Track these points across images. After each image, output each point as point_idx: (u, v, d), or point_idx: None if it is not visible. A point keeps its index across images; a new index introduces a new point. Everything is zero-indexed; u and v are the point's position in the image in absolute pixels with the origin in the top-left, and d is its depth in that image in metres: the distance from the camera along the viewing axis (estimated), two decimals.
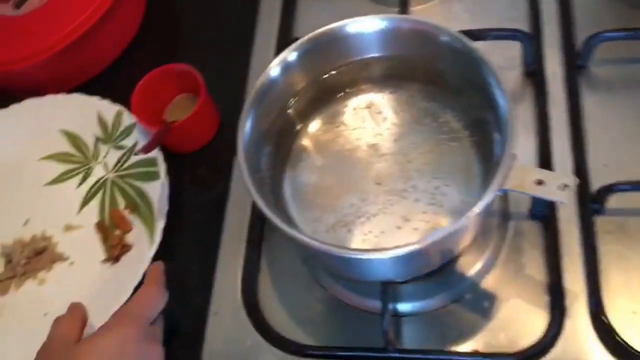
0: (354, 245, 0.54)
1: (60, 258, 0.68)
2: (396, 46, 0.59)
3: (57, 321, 0.55)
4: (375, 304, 0.58)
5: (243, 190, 0.66)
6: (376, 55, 0.60)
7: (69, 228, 0.69)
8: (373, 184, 0.57)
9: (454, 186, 0.55)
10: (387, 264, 0.51)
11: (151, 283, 0.57)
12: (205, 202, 0.69)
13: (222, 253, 0.64)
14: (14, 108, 0.76)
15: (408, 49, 0.59)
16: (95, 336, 0.52)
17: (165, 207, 0.66)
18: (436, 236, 0.47)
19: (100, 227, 0.68)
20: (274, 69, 0.58)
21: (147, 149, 0.66)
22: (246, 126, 0.55)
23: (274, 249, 0.64)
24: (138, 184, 0.70)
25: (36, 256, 0.68)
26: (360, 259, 0.50)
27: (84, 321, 0.55)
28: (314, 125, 0.61)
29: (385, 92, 0.61)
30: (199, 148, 0.73)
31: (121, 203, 0.70)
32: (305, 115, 0.62)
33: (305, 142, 0.61)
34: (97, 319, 0.56)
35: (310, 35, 0.59)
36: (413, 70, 0.60)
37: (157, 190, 0.67)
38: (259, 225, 0.65)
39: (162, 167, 0.68)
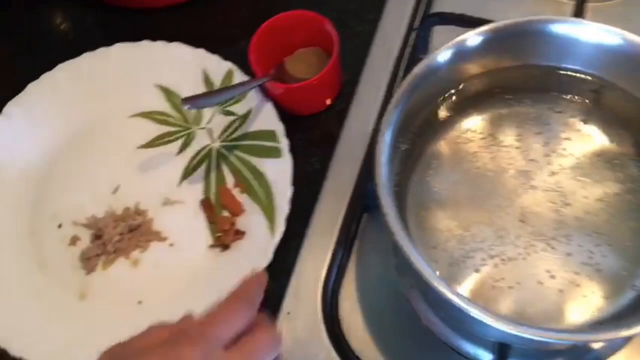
0: (478, 292, 0.45)
1: (158, 237, 0.58)
2: (606, 66, 0.49)
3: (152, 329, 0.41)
4: (480, 355, 0.50)
5: (343, 177, 0.58)
6: (574, 67, 0.50)
7: (167, 202, 0.59)
8: (516, 220, 0.46)
9: (619, 249, 0.45)
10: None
11: (239, 299, 0.43)
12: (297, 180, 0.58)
13: (307, 245, 0.55)
14: (102, 52, 0.65)
15: (620, 74, 0.49)
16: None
17: (288, 192, 0.56)
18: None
19: (206, 205, 0.59)
20: (445, 52, 0.49)
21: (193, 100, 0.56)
22: (392, 117, 0.46)
23: (366, 253, 0.55)
24: (252, 159, 0.59)
25: (129, 232, 0.58)
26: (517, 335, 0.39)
27: None
28: (460, 130, 0.51)
29: (563, 114, 0.51)
30: (310, 114, 0.63)
31: (229, 180, 0.60)
32: (454, 116, 0.51)
33: (443, 147, 0.50)
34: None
35: (507, 22, 0.49)
36: (615, 101, 0.50)
37: (277, 170, 0.57)
38: (353, 221, 0.56)
39: (284, 143, 0.58)
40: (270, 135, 0.59)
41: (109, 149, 0.63)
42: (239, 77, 0.62)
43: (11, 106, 0.62)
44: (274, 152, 0.58)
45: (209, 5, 0.71)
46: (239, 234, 0.56)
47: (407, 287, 0.53)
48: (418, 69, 0.48)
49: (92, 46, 0.65)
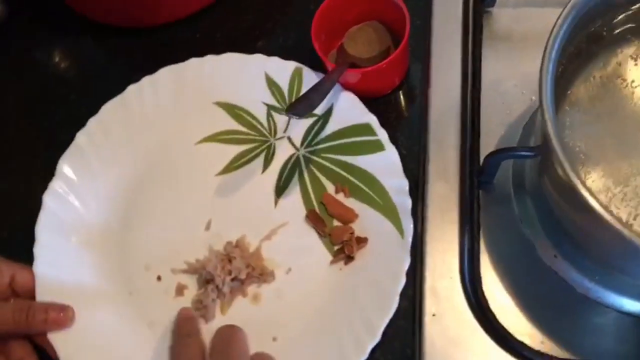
0: None
1: (272, 266, 0.53)
2: None
3: None
4: None
5: (444, 157, 0.53)
6: None
7: (269, 225, 0.54)
8: None
9: None
10: None
11: None
12: None
13: (430, 237, 0.51)
14: (148, 82, 0.58)
15: None
16: None
17: (405, 185, 0.51)
18: None
19: (314, 219, 0.54)
20: None
21: (299, 107, 0.51)
22: (551, 57, 0.41)
23: (492, 231, 0.51)
24: (349, 159, 0.55)
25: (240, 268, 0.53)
26: None
27: None
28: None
29: None
30: (380, 96, 0.58)
31: (328, 187, 0.55)
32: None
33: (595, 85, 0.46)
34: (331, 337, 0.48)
35: None
36: None
37: (383, 165, 0.53)
38: (473, 199, 0.51)
39: (382, 134, 0.53)
40: (364, 129, 0.54)
41: (185, 183, 0.57)
42: (308, 74, 0.57)
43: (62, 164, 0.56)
44: (374, 147, 0.53)
45: (209, 14, 0.65)
46: (362, 241, 0.52)
47: (551, 257, 0.49)
48: None
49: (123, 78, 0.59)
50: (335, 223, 0.54)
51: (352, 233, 0.52)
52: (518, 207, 0.50)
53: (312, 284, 0.52)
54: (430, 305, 0.49)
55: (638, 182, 0.43)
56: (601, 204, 0.36)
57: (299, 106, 0.50)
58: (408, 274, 0.50)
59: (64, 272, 0.53)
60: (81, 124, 0.57)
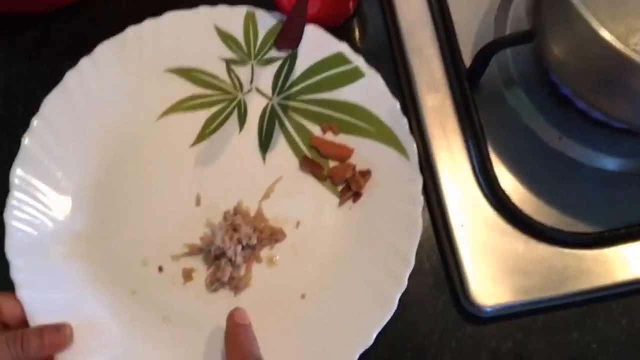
0: None
1: (278, 224, 0.50)
2: None
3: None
4: None
5: (423, 63, 0.52)
6: None
7: (263, 184, 0.51)
8: None
9: None
10: None
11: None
12: None
13: (436, 153, 0.50)
14: (85, 62, 0.52)
15: None
16: None
17: (396, 105, 0.49)
18: None
19: (308, 164, 0.51)
20: None
21: (289, 38, 0.47)
22: None
23: (491, 127, 0.50)
24: (328, 95, 0.52)
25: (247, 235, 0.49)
26: None
27: None
28: None
29: None
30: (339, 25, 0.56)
31: (314, 129, 0.52)
32: None
33: None
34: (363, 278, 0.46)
35: None
36: None
37: (368, 91, 0.50)
38: (467, 99, 0.49)
39: (358, 60, 0.51)
40: (337, 59, 0.51)
41: (160, 163, 0.52)
42: (262, 16, 0.53)
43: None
44: (353, 75, 0.51)
45: None
46: (366, 174, 0.49)
47: (556, 140, 0.49)
48: None
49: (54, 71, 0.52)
50: (332, 164, 0.51)
51: (354, 168, 0.50)
52: (512, 101, 0.49)
53: (325, 231, 0.49)
54: (456, 217, 0.48)
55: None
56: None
57: (289, 36, 0.46)
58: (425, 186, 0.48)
59: (53, 291, 0.47)
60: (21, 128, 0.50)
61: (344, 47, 0.51)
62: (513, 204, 0.47)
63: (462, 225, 0.48)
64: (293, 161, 0.51)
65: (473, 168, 0.48)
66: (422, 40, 0.51)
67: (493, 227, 0.47)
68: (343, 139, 0.51)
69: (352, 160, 0.50)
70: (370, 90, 0.50)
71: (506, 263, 0.46)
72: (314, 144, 0.51)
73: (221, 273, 0.48)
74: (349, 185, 0.49)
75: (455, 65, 0.49)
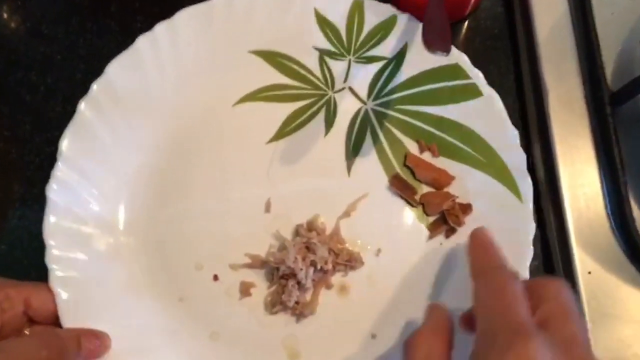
0: None
1: (357, 248, 0.43)
2: None
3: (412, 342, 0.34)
4: None
5: (559, 79, 0.45)
6: None
7: (345, 199, 0.44)
8: None
9: None
10: None
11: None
12: None
13: (565, 182, 0.43)
14: (161, 29, 0.45)
15: None
16: None
17: (514, 135, 0.43)
18: None
19: (399, 185, 0.44)
20: None
21: (442, 39, 0.40)
22: None
23: (633, 157, 0.43)
24: (433, 109, 0.45)
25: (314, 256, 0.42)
26: None
27: (449, 341, 0.35)
28: None
29: None
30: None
31: (409, 145, 0.45)
32: None
33: None
34: None
35: None
36: None
37: (481, 113, 0.44)
38: (606, 127, 0.43)
39: (476, 75, 0.44)
40: (452, 71, 0.44)
41: (230, 157, 0.45)
42: (371, 6, 0.46)
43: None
44: (468, 92, 0.44)
45: None
46: (466, 208, 0.43)
47: None
48: None
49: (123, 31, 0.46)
50: (425, 189, 0.45)
51: (454, 200, 0.43)
52: None
53: (408, 265, 0.43)
54: (583, 263, 0.42)
55: None
56: None
57: (441, 38, 0.39)
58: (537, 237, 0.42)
59: (92, 288, 0.41)
60: (78, 92, 0.44)
61: (463, 59, 0.44)
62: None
63: (589, 273, 0.41)
64: (381, 178, 0.45)
65: (606, 207, 0.42)
66: (560, 53, 0.44)
67: (626, 280, 0.41)
68: (442, 162, 0.44)
69: (451, 189, 0.44)
70: (485, 113, 0.43)
71: (638, 326, 0.40)
72: (409, 162, 0.44)
73: (287, 295, 0.41)
74: (445, 218, 0.43)
75: (597, 86, 0.43)
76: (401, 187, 0.44)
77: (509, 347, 0.29)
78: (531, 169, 0.43)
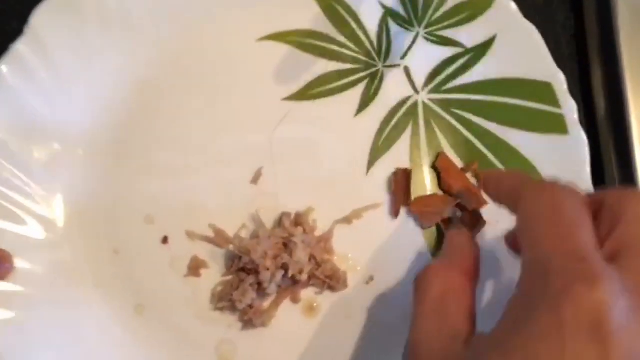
0: None
1: (345, 267, 0.34)
2: None
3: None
4: None
5: None
6: None
7: (352, 201, 0.35)
8: None
9: None
10: None
11: None
12: None
13: None
14: None
15: None
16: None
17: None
18: None
19: (418, 205, 0.34)
20: None
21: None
22: None
23: None
24: (498, 129, 0.35)
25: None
26: None
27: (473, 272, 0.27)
28: None
29: None
30: None
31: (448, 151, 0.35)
32: None
33: None
34: None
35: None
36: None
37: (556, 154, 0.33)
38: None
39: (568, 106, 0.34)
40: (540, 90, 0.34)
41: (231, 102, 0.36)
42: None
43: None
44: (550, 123, 0.33)
45: None
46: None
47: None
48: None
49: None
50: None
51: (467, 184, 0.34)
52: None
53: (402, 308, 0.34)
54: None
55: None
56: None
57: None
58: None
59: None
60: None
61: (558, 78, 0.33)
62: None
63: None
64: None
65: None
66: None
67: None
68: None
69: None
70: (564, 157, 0.33)
71: None
72: (438, 164, 0.35)
73: (239, 294, 0.32)
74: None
75: None
76: (399, 187, 0.34)
77: (565, 294, 0.20)
78: None
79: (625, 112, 0.34)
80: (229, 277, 0.34)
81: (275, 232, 0.33)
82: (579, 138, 0.33)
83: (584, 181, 0.33)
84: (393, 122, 0.36)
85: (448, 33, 0.35)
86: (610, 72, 0.36)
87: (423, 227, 0.34)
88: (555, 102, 0.33)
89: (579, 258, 0.21)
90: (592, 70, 0.37)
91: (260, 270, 0.32)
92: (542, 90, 0.33)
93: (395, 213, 0.34)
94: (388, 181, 0.35)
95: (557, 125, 0.33)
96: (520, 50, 0.34)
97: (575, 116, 0.33)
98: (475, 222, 0.34)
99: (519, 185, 0.25)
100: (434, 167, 0.35)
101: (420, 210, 0.34)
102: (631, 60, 0.35)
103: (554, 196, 0.23)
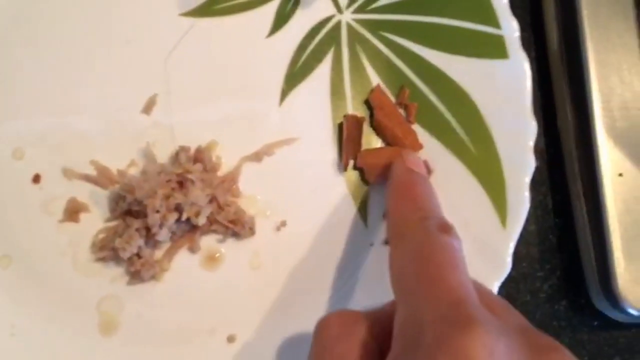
0: None
1: (253, 209, 0.29)
2: None
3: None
4: None
5: None
6: None
7: (263, 135, 0.30)
8: None
9: None
10: None
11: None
12: None
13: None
14: None
15: None
16: None
17: (531, 130, 0.29)
18: None
19: (348, 129, 0.30)
20: None
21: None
22: None
23: None
24: (433, 55, 0.30)
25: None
26: None
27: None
28: None
29: None
30: None
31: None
32: None
33: None
34: None
35: None
36: None
37: (495, 82, 0.29)
38: None
39: (509, 27, 0.29)
40: (479, 8, 0.29)
41: (119, 15, 0.30)
42: None
43: None
44: (490, 46, 0.29)
45: None
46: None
47: None
48: None
49: None
50: (378, 144, 0.30)
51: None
52: None
53: (318, 256, 0.29)
54: (610, 160, 0.29)
55: None
56: None
57: None
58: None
59: None
60: None
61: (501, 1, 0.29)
62: None
63: (620, 175, 0.29)
64: (324, 122, 0.30)
65: None
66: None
67: None
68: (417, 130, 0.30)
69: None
70: (504, 85, 0.29)
71: None
72: (371, 98, 0.30)
73: (123, 241, 0.27)
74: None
75: None
76: (350, 137, 0.30)
77: (439, 344, 0.18)
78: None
79: (580, 41, 0.30)
80: (114, 223, 0.28)
81: (166, 169, 0.28)
82: (520, 62, 0.29)
83: (525, 114, 0.29)
84: (312, 46, 0.31)
85: None
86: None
87: (369, 183, 0.30)
88: (494, 21, 0.29)
89: (452, 303, 0.19)
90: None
91: (148, 212, 0.27)
92: (480, 8, 0.29)
93: (345, 165, 0.30)
94: (306, 113, 0.30)
95: (496, 49, 0.29)
96: None
97: (517, 36, 0.29)
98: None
99: (391, 234, 0.23)
100: (366, 102, 0.31)
101: (367, 163, 0.30)
102: None
103: (427, 243, 0.21)
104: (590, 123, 0.28)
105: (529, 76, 0.28)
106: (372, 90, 0.30)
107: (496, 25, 0.29)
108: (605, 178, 0.28)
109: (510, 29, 0.29)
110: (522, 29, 0.30)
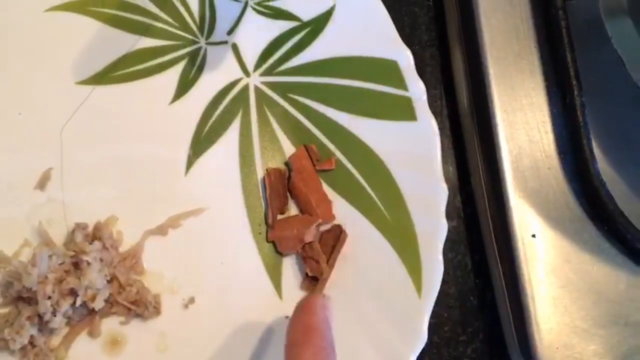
0: None
1: (158, 289, 0.27)
2: None
3: None
4: None
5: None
6: None
7: (168, 208, 0.28)
8: None
9: None
10: None
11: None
12: None
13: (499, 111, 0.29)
14: None
15: None
16: None
17: (442, 195, 0.28)
18: None
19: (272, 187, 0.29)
20: None
21: None
22: None
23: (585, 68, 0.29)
24: (340, 117, 0.29)
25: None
26: None
27: None
28: None
29: None
30: None
31: (290, 153, 0.30)
32: None
33: None
34: None
35: None
36: None
37: (405, 145, 0.29)
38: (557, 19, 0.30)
39: (415, 87, 0.29)
40: (386, 70, 0.29)
41: (13, 85, 0.28)
42: None
43: None
44: (398, 108, 0.29)
45: None
46: (340, 234, 0.28)
47: None
48: None
49: None
50: (293, 212, 0.29)
51: (318, 227, 0.28)
52: (617, 37, 0.28)
53: (228, 335, 0.28)
54: (524, 223, 0.28)
55: None
56: None
57: None
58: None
59: None
60: None
61: (404, 56, 0.29)
62: (616, 210, 0.27)
63: (533, 236, 0.28)
64: (234, 191, 0.29)
65: (556, 142, 0.29)
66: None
67: (584, 244, 0.28)
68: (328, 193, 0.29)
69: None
70: (409, 148, 0.28)
71: (600, 304, 0.27)
72: (292, 160, 0.29)
73: (13, 331, 0.25)
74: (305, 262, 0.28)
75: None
76: (274, 190, 0.28)
77: None
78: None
79: (489, 100, 0.30)
80: (5, 310, 0.26)
81: (58, 251, 0.26)
82: (429, 125, 0.28)
83: (435, 177, 0.28)
84: (218, 111, 0.29)
85: (281, 3, 0.30)
86: (471, 58, 0.31)
87: (282, 254, 0.29)
88: (401, 83, 0.29)
89: None
90: (452, 56, 0.32)
91: (39, 299, 0.25)
92: (387, 70, 0.29)
93: (272, 224, 0.28)
94: (213, 181, 0.29)
95: (404, 111, 0.28)
96: (362, 25, 0.29)
97: (424, 99, 0.28)
98: (336, 238, 0.29)
99: None
100: (286, 163, 0.30)
101: (277, 235, 0.28)
102: (492, 42, 0.31)
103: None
104: (501, 184, 0.28)
105: (438, 140, 0.28)
106: (295, 152, 0.29)
107: (403, 87, 0.29)
108: (519, 240, 0.27)
109: (418, 90, 0.28)
110: (433, 87, 0.30)
